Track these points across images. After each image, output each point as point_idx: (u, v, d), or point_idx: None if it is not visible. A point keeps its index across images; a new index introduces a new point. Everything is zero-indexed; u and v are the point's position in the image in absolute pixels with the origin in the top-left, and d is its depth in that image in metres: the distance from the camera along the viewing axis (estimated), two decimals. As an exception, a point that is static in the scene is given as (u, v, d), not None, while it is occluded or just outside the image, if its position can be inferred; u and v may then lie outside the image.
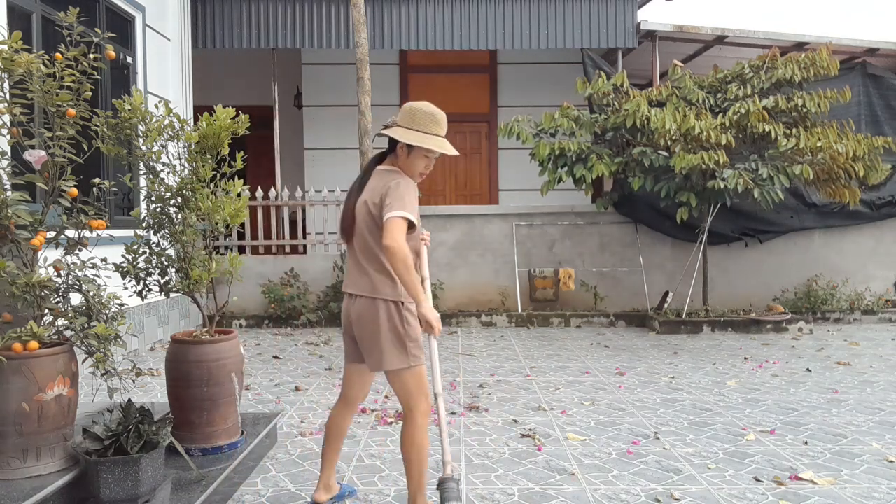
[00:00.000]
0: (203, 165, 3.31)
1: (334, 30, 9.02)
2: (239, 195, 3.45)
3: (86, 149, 2.98)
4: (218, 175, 3.40)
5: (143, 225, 3.39)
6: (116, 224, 4.84)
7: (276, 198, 8.68)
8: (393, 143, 2.73)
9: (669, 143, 7.03)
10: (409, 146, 2.66)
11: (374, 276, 2.61)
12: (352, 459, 3.54)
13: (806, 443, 3.77)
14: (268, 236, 9.07)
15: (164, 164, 3.38)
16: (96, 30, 3.12)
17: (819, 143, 6.80)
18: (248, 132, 3.43)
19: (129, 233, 3.59)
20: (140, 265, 3.30)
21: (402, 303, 2.61)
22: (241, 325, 8.22)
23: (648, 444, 3.77)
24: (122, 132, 3.23)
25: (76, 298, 2.87)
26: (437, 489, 2.60)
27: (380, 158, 2.81)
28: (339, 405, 2.93)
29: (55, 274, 2.86)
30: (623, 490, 3.14)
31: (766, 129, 6.94)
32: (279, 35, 8.95)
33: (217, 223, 3.36)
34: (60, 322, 2.80)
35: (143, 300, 3.41)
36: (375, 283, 2.60)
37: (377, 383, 5.25)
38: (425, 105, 2.72)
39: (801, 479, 3.24)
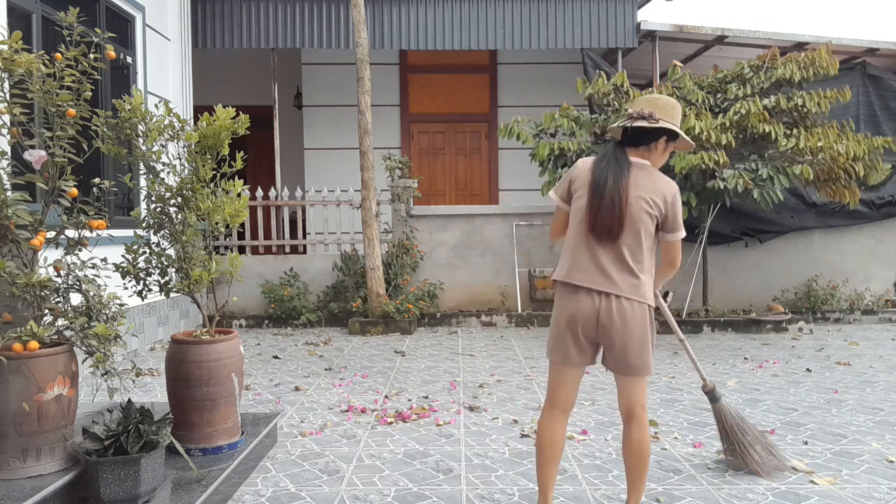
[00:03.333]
0: (203, 165, 3.31)
1: (334, 30, 9.02)
2: (239, 195, 3.45)
3: (86, 149, 2.99)
4: (218, 175, 3.40)
5: (143, 225, 3.39)
6: (116, 224, 4.84)
7: (276, 198, 8.68)
8: (640, 136, 2.60)
9: (669, 143, 7.02)
10: (669, 141, 2.63)
11: (642, 279, 2.52)
12: (352, 459, 3.54)
13: (806, 443, 3.77)
14: (268, 236, 9.07)
15: (164, 164, 3.38)
16: (96, 30, 3.12)
17: (819, 144, 6.80)
18: (248, 132, 3.44)
19: (129, 233, 3.59)
20: (140, 265, 3.30)
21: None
22: (241, 325, 8.22)
23: (648, 444, 3.77)
24: (122, 132, 3.23)
25: (76, 298, 2.87)
26: (707, 394, 3.16)
27: (621, 148, 2.63)
28: (557, 415, 2.62)
29: (55, 274, 2.86)
30: (623, 490, 3.13)
31: (766, 130, 6.93)
32: (279, 35, 8.96)
33: (217, 223, 3.37)
34: (60, 322, 2.80)
35: (143, 300, 3.41)
36: (642, 287, 2.51)
37: (376, 383, 5.25)
38: (668, 98, 2.66)
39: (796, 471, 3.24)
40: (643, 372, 2.55)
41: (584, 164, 2.65)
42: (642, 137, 2.61)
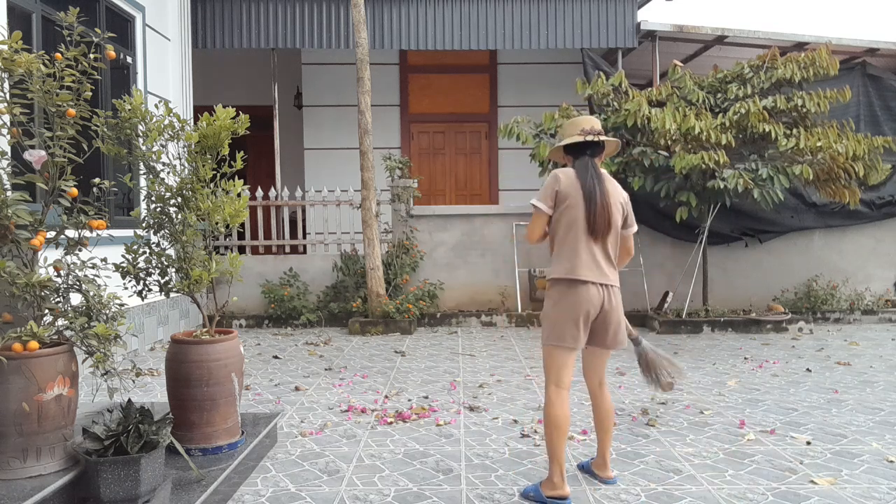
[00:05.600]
0: (203, 165, 3.31)
1: (334, 30, 9.02)
2: (239, 195, 3.45)
3: (86, 149, 2.99)
4: (218, 175, 3.40)
5: (143, 225, 3.39)
6: (116, 224, 4.84)
7: (276, 198, 8.68)
8: (596, 149, 3.14)
9: (669, 143, 7.02)
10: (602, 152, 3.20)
11: (616, 269, 3.08)
12: (352, 459, 3.54)
13: (809, 443, 3.77)
14: (268, 236, 9.07)
15: (164, 164, 3.38)
16: (96, 30, 3.12)
17: (819, 143, 6.80)
18: (248, 132, 3.43)
19: (129, 233, 3.59)
20: (140, 265, 3.31)
21: None
22: (241, 325, 8.22)
23: (649, 444, 3.77)
24: (122, 132, 3.24)
25: (76, 298, 2.88)
26: (632, 340, 3.42)
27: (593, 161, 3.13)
28: (564, 394, 3.02)
29: (55, 274, 2.86)
30: (623, 490, 3.14)
31: (766, 129, 6.93)
32: (279, 35, 8.96)
33: (217, 223, 3.37)
34: (60, 322, 2.81)
35: (143, 300, 3.41)
36: (617, 275, 3.08)
37: (376, 383, 5.25)
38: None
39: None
40: (624, 344, 3.11)
41: (567, 175, 3.05)
42: (597, 150, 3.14)
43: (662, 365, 3.56)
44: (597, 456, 3.27)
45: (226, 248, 8.58)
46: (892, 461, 3.47)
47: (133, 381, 3.11)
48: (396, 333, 7.66)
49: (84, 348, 2.76)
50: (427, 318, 8.19)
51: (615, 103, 7.57)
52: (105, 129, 3.15)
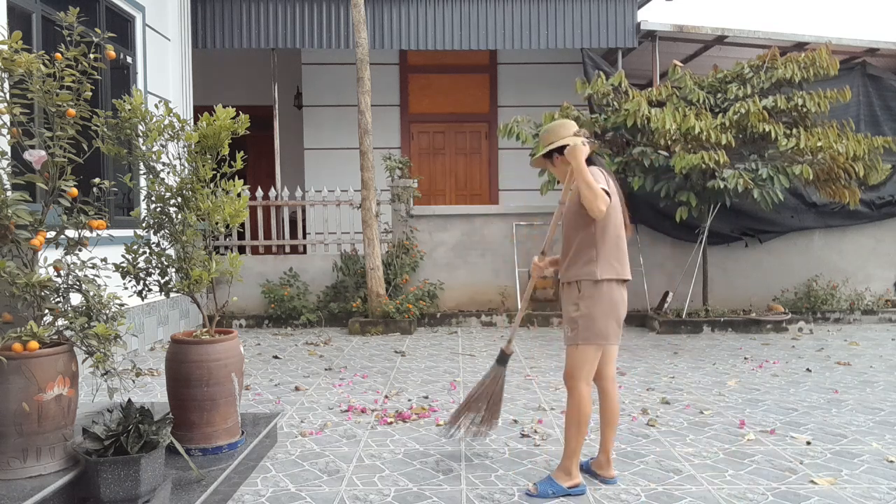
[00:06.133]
0: (203, 165, 3.31)
1: (334, 30, 9.02)
2: (239, 195, 3.45)
3: (86, 149, 2.99)
4: (218, 175, 3.40)
5: (143, 225, 3.39)
6: (116, 224, 4.84)
7: (276, 198, 8.68)
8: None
9: (669, 142, 7.02)
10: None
11: None
12: (352, 459, 3.54)
13: (809, 443, 3.77)
14: (268, 236, 9.07)
15: (164, 164, 3.38)
16: (96, 30, 3.12)
17: (819, 143, 6.80)
18: (248, 132, 3.43)
19: (129, 233, 3.59)
20: (140, 265, 3.30)
21: None
22: (241, 325, 8.22)
23: (649, 444, 3.77)
24: (122, 132, 3.24)
25: (76, 298, 2.87)
26: (503, 354, 3.65)
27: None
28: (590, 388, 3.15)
29: (55, 274, 2.86)
30: (623, 490, 3.14)
31: (766, 129, 6.93)
32: (279, 35, 8.96)
33: (217, 223, 3.37)
34: (60, 322, 2.80)
35: (143, 300, 3.41)
36: None
37: (376, 383, 5.25)
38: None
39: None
40: None
41: (602, 173, 3.06)
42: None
43: (490, 406, 3.56)
44: (598, 454, 3.27)
45: (226, 248, 8.58)
46: (892, 461, 3.47)
47: (133, 381, 3.11)
48: (396, 333, 7.66)
49: (84, 348, 2.76)
50: (427, 318, 8.19)
51: (615, 103, 7.57)
52: (105, 129, 3.15)
